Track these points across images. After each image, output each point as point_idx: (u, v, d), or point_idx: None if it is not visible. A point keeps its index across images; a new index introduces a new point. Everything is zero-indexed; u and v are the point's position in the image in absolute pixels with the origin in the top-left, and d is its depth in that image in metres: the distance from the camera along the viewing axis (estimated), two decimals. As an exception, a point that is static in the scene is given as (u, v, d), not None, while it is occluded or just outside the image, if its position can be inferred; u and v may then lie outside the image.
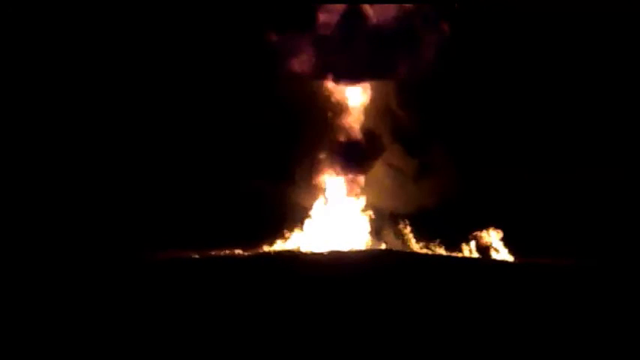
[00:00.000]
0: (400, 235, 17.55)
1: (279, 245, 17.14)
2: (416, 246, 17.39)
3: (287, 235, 17.40)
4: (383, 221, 17.67)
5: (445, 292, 11.90)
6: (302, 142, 17.62)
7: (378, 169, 17.67)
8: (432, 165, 17.35)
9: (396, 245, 17.37)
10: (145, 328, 10.15)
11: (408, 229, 17.54)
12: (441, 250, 17.36)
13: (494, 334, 9.83)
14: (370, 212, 17.65)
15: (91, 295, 11.73)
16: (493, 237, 17.42)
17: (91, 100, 18.87)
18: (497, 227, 17.49)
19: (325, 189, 17.80)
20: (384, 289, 11.98)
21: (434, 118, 17.41)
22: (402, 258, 15.44)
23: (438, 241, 17.39)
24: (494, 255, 17.23)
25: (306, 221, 17.58)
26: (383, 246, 17.08)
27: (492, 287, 12.36)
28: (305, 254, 15.40)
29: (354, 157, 17.54)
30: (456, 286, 12.37)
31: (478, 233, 17.52)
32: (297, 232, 17.47)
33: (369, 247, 16.78)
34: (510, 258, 17.15)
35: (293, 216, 17.65)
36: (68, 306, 11.15)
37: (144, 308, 10.98)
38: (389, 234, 17.57)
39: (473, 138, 18.49)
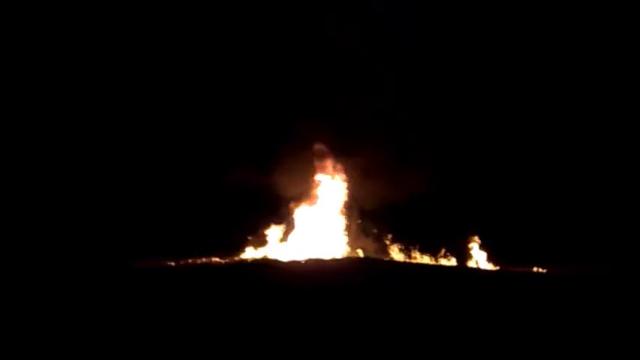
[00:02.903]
0: (379, 241, 17.44)
1: (256, 252, 16.95)
2: (394, 253, 17.31)
3: (264, 241, 17.25)
4: (361, 225, 17.57)
5: (426, 302, 11.75)
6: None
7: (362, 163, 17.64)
8: (414, 161, 17.24)
9: (375, 251, 17.30)
10: (118, 339, 9.82)
11: (388, 234, 17.48)
12: (420, 257, 17.28)
13: (479, 345, 9.70)
14: (349, 215, 17.62)
15: (61, 307, 11.34)
16: (473, 244, 17.41)
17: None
18: (476, 233, 17.49)
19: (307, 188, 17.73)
20: (363, 298, 11.77)
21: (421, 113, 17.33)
22: (381, 266, 15.26)
23: (417, 247, 17.36)
24: (473, 263, 17.19)
25: (284, 227, 17.48)
26: (361, 253, 16.97)
27: (475, 297, 12.22)
28: (282, 263, 15.14)
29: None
30: (436, 295, 12.24)
31: (457, 240, 17.49)
32: (274, 238, 17.34)
33: (347, 255, 16.63)
34: (490, 266, 17.11)
35: (271, 219, 17.52)
36: (41, 316, 10.79)
37: (118, 320, 10.63)
38: (367, 239, 17.45)
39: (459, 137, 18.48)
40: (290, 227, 17.50)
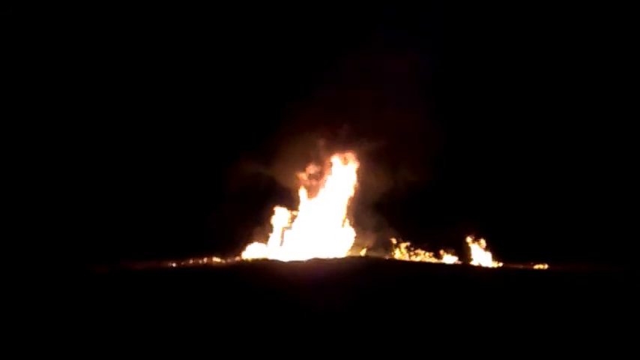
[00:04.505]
0: (382, 237, 17.26)
1: (257, 251, 16.79)
2: (397, 250, 17.16)
3: (265, 238, 17.09)
4: (363, 219, 17.37)
5: (430, 302, 11.64)
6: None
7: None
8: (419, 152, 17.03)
9: (377, 248, 17.13)
10: (121, 341, 9.72)
11: (390, 230, 17.29)
12: (423, 254, 17.13)
13: (483, 346, 9.57)
14: (352, 209, 17.41)
15: (59, 307, 11.22)
16: (475, 240, 17.27)
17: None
18: (478, 229, 17.34)
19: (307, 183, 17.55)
20: (366, 298, 11.67)
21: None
22: (383, 265, 15.12)
23: (420, 243, 17.20)
24: (475, 260, 17.06)
25: (285, 225, 17.32)
26: (363, 252, 16.82)
27: (479, 296, 12.08)
28: (283, 263, 15.00)
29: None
30: (440, 295, 12.11)
31: (460, 236, 17.34)
32: (276, 235, 17.16)
33: (349, 254, 16.48)
34: (492, 263, 16.97)
35: (271, 214, 17.32)
36: (37, 318, 10.63)
37: (119, 322, 10.50)
38: (370, 235, 17.26)
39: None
40: (290, 223, 17.34)
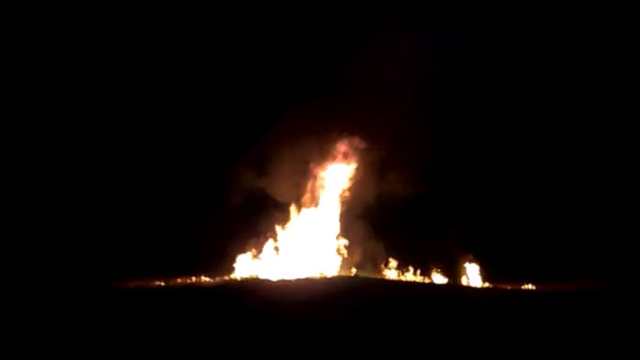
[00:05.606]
0: (373, 254, 17.19)
1: (247, 269, 16.68)
2: (387, 270, 17.11)
3: (253, 257, 16.98)
4: (355, 236, 17.30)
5: (420, 323, 11.59)
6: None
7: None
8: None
9: (366, 265, 17.06)
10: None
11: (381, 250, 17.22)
12: (412, 274, 17.08)
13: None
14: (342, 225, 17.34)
15: (44, 327, 11.11)
16: (465, 260, 17.25)
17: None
18: (467, 245, 17.31)
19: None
20: (356, 319, 11.59)
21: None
22: (373, 286, 15.01)
23: (409, 263, 17.14)
24: (464, 279, 17.05)
25: (273, 243, 17.23)
26: (353, 271, 16.75)
27: (469, 318, 12.06)
28: (274, 282, 14.90)
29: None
30: (429, 316, 12.08)
31: (448, 252, 17.30)
32: (266, 253, 17.06)
33: (338, 274, 16.40)
34: (482, 282, 16.98)
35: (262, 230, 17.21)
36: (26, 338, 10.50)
37: (105, 342, 10.38)
38: (360, 253, 17.18)
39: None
40: (282, 238, 17.22)
